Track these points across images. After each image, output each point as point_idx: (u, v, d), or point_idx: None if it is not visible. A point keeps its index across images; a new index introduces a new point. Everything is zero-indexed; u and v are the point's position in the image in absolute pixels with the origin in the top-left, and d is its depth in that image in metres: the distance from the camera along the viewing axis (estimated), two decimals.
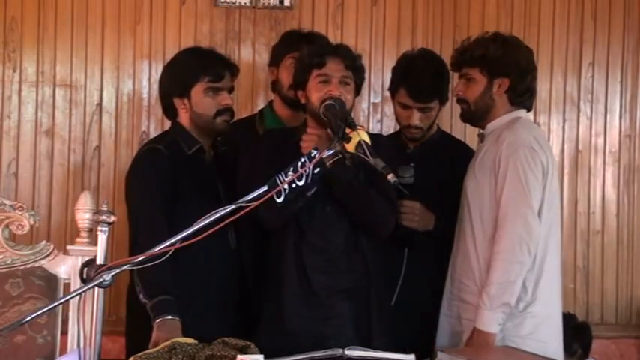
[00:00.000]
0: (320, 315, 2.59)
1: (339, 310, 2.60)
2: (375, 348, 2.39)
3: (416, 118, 3.01)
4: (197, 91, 2.75)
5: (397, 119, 3.15)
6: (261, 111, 3.25)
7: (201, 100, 2.75)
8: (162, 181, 2.67)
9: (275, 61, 3.16)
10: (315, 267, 2.60)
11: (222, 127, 2.79)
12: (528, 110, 2.88)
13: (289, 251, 2.63)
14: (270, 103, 3.24)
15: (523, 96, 2.80)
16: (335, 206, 2.63)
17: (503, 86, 2.77)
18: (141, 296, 2.54)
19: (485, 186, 2.69)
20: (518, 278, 2.58)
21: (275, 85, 3.16)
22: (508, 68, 2.76)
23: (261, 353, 2.15)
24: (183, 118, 2.80)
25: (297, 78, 2.71)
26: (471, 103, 2.81)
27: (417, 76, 2.97)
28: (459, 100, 2.88)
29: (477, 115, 2.83)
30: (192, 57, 2.85)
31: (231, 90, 2.83)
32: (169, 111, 2.85)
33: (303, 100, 2.71)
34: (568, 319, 2.87)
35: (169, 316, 2.47)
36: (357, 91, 2.73)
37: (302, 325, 2.57)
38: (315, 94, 2.61)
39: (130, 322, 2.83)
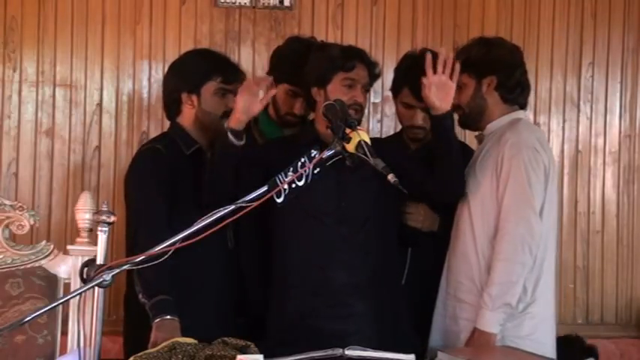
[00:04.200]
0: (338, 313, 2.59)
1: (358, 308, 2.61)
2: (395, 347, 2.38)
3: (419, 118, 3.01)
4: (208, 89, 2.77)
5: (400, 119, 3.15)
6: None
7: (211, 99, 2.78)
8: (162, 180, 2.67)
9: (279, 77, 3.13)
10: (333, 264, 2.61)
11: (224, 129, 2.80)
12: (523, 108, 2.87)
13: (303, 248, 2.64)
14: (265, 106, 3.23)
15: (514, 92, 2.80)
16: (350, 200, 2.64)
17: (492, 84, 2.77)
18: (140, 296, 2.54)
19: (486, 186, 2.69)
20: (520, 279, 2.58)
21: (272, 101, 3.15)
22: (493, 66, 2.77)
23: (272, 350, 2.15)
24: (186, 116, 2.81)
25: (319, 75, 2.72)
26: (465, 107, 2.82)
27: (420, 76, 2.97)
28: (455, 109, 2.89)
29: (472, 117, 2.83)
30: (206, 56, 2.89)
31: (235, 94, 2.84)
32: (172, 109, 2.85)
33: (318, 98, 2.72)
34: (576, 341, 2.83)
35: (168, 316, 2.47)
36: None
37: (319, 322, 2.58)
38: (339, 96, 2.61)
39: (128, 323, 2.83)
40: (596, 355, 3.57)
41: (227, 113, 2.78)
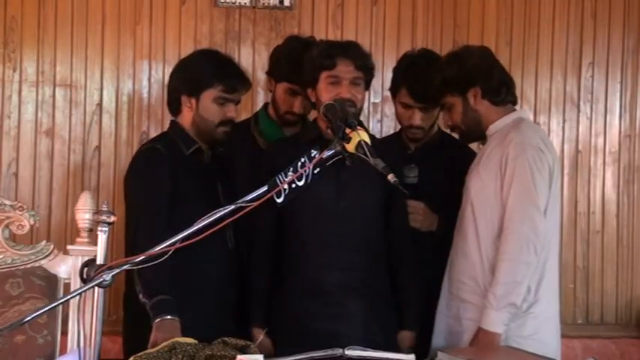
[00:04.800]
0: (333, 313, 2.59)
1: (352, 308, 2.61)
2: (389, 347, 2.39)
3: (417, 118, 3.01)
4: (207, 96, 2.75)
5: (398, 119, 3.16)
6: (256, 114, 3.26)
7: (209, 106, 2.75)
8: (161, 180, 2.67)
9: (277, 76, 3.12)
10: (330, 264, 2.62)
11: (221, 137, 2.79)
12: (515, 103, 2.87)
13: (302, 249, 2.64)
14: (265, 106, 3.24)
15: (500, 93, 2.79)
16: (348, 202, 2.64)
17: (477, 94, 2.77)
18: (140, 296, 2.54)
19: (490, 186, 2.69)
20: (525, 278, 2.58)
21: (272, 100, 3.16)
22: (471, 77, 2.77)
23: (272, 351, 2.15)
24: (185, 117, 2.80)
25: (306, 77, 2.72)
26: (461, 124, 2.82)
27: (418, 76, 2.97)
28: (453, 129, 2.90)
29: (471, 131, 2.83)
30: (212, 61, 2.82)
31: (237, 103, 2.83)
32: (173, 107, 2.85)
33: (313, 99, 2.73)
34: None
35: (168, 316, 2.47)
36: (367, 86, 2.76)
37: (315, 323, 2.58)
38: (326, 95, 2.62)
39: (127, 323, 2.83)
40: None
41: (224, 122, 2.76)
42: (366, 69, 2.70)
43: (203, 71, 2.77)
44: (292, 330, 2.59)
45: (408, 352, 2.33)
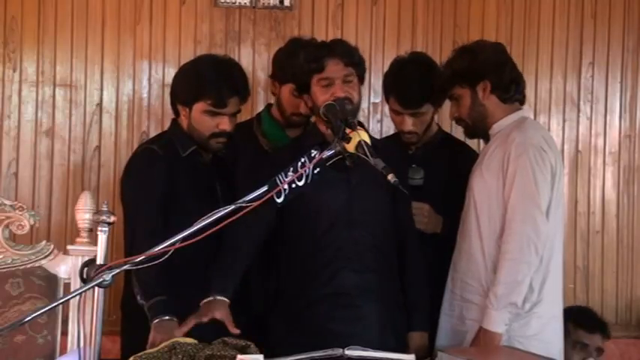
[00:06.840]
0: (349, 315, 2.59)
1: (368, 310, 2.61)
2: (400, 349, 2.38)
3: (408, 124, 3.01)
4: (198, 108, 2.74)
5: (393, 124, 3.16)
6: (259, 114, 3.26)
7: (200, 118, 2.75)
8: (158, 181, 2.67)
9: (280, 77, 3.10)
10: (345, 267, 2.61)
11: (216, 148, 2.79)
12: (522, 103, 2.86)
13: (316, 252, 2.64)
14: (268, 106, 3.24)
15: (510, 90, 2.78)
16: (359, 205, 2.64)
17: (487, 88, 2.76)
18: (138, 298, 2.54)
19: (492, 185, 2.68)
20: (526, 278, 2.58)
21: (277, 103, 3.15)
22: (481, 70, 2.76)
23: (273, 350, 2.14)
24: (184, 122, 2.81)
25: (299, 84, 2.71)
26: (466, 118, 2.82)
27: (404, 83, 2.96)
28: (458, 121, 2.89)
29: (475, 126, 2.82)
30: (205, 72, 2.76)
31: (236, 113, 2.80)
32: (173, 109, 2.87)
33: (309, 104, 2.71)
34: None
35: (167, 317, 2.47)
36: (362, 81, 2.72)
37: (331, 325, 2.57)
38: (321, 97, 2.60)
39: (125, 324, 2.83)
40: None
41: (216, 134, 2.75)
42: (355, 64, 2.66)
43: (194, 84, 2.75)
44: (308, 332, 2.57)
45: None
